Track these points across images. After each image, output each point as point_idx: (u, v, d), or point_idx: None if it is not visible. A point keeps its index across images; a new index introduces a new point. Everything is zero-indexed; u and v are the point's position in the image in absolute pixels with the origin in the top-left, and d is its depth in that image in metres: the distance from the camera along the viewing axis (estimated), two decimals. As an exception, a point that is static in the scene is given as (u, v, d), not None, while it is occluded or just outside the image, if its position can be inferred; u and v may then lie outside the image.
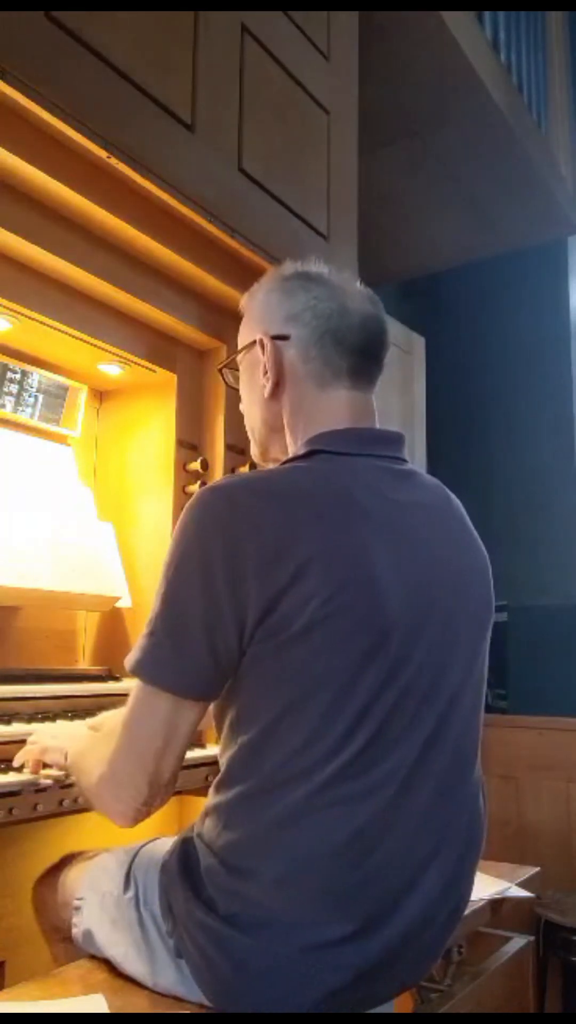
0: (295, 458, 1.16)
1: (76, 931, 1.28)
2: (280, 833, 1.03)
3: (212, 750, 1.71)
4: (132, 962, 1.19)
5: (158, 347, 2.04)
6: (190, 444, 2.10)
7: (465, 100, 3.06)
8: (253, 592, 0.99)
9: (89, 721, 1.43)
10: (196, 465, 2.06)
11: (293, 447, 1.20)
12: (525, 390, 4.35)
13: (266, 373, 1.20)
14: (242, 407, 1.31)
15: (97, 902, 1.26)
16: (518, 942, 1.89)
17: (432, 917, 1.11)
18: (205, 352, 2.16)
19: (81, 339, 1.88)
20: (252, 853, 1.05)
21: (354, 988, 1.05)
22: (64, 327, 1.82)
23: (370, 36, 2.62)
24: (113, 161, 1.63)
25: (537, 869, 1.94)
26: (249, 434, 1.32)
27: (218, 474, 2.08)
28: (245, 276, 2.07)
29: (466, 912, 1.60)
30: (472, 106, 3.09)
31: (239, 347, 1.29)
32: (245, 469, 2.10)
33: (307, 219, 2.21)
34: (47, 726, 1.48)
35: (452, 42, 2.80)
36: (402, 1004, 1.53)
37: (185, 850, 1.15)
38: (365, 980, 1.06)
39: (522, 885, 1.81)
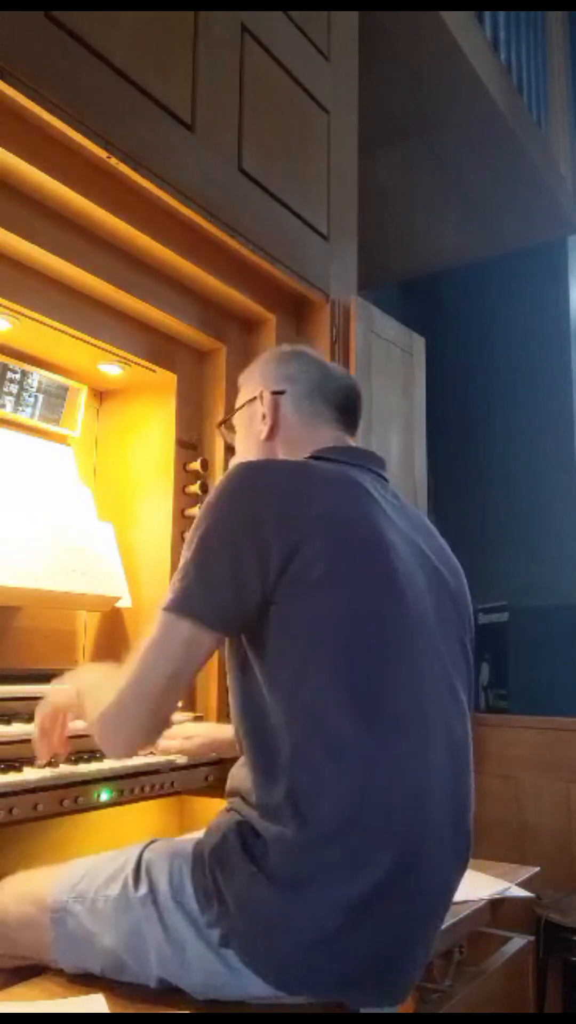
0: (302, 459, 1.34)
1: (61, 947, 1.24)
2: (335, 768, 1.11)
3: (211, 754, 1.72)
4: (158, 965, 1.17)
5: (158, 347, 2.04)
6: (190, 444, 2.10)
7: (465, 100, 3.06)
8: (273, 544, 1.14)
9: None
10: (196, 465, 2.06)
11: None
12: (525, 390, 4.35)
13: (264, 419, 1.41)
14: (237, 456, 1.50)
15: (96, 907, 1.23)
16: (518, 942, 1.89)
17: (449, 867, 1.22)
18: (205, 352, 2.16)
19: (81, 339, 1.88)
20: (307, 811, 1.10)
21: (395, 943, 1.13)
22: (64, 327, 1.82)
23: (370, 36, 2.62)
24: (113, 161, 1.63)
25: (537, 869, 1.94)
26: None
27: (218, 474, 2.08)
28: (245, 276, 2.07)
29: (466, 912, 1.61)
30: (472, 106, 3.09)
31: (237, 407, 1.50)
32: (245, 469, 2.10)
33: (307, 219, 2.21)
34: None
35: (452, 42, 2.81)
36: (403, 1004, 1.53)
37: (240, 829, 1.17)
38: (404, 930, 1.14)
39: (522, 885, 1.81)
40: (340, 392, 1.44)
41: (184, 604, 1.16)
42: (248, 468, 1.26)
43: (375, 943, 1.11)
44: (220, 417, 2.10)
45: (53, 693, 1.42)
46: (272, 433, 1.41)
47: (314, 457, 1.33)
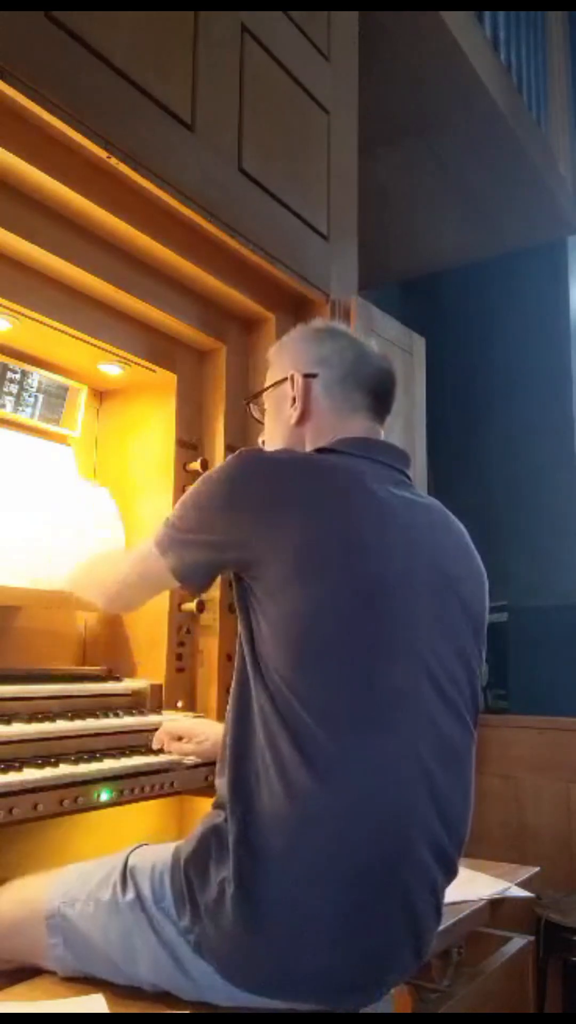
0: (314, 452, 1.34)
1: (56, 952, 1.24)
2: (307, 782, 1.10)
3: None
4: (154, 969, 1.17)
5: (158, 347, 2.04)
6: (190, 444, 2.10)
7: (465, 100, 3.06)
8: (247, 524, 1.20)
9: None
10: (196, 465, 2.06)
11: None
12: (525, 390, 4.35)
13: (294, 403, 1.38)
14: (262, 438, 1.50)
15: (87, 912, 1.23)
16: (518, 942, 1.89)
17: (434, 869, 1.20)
18: (205, 352, 2.16)
19: (81, 339, 1.88)
20: (281, 812, 1.10)
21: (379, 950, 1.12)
22: (64, 327, 1.82)
23: (370, 36, 2.62)
24: (113, 161, 1.63)
25: (537, 869, 1.94)
26: None
27: (218, 474, 2.08)
28: (245, 276, 2.07)
29: (466, 912, 1.61)
30: (472, 106, 3.09)
31: (267, 385, 1.47)
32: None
33: (307, 219, 2.21)
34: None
35: (452, 42, 2.80)
36: (402, 1004, 1.53)
37: (217, 834, 1.17)
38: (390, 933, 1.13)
39: (522, 885, 1.81)
40: (374, 377, 1.39)
41: (167, 549, 1.33)
42: (253, 452, 1.28)
43: (350, 948, 1.09)
44: (220, 417, 2.11)
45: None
46: (302, 419, 1.38)
47: (328, 449, 1.30)
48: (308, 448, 1.37)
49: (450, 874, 1.24)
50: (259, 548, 1.17)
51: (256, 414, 1.54)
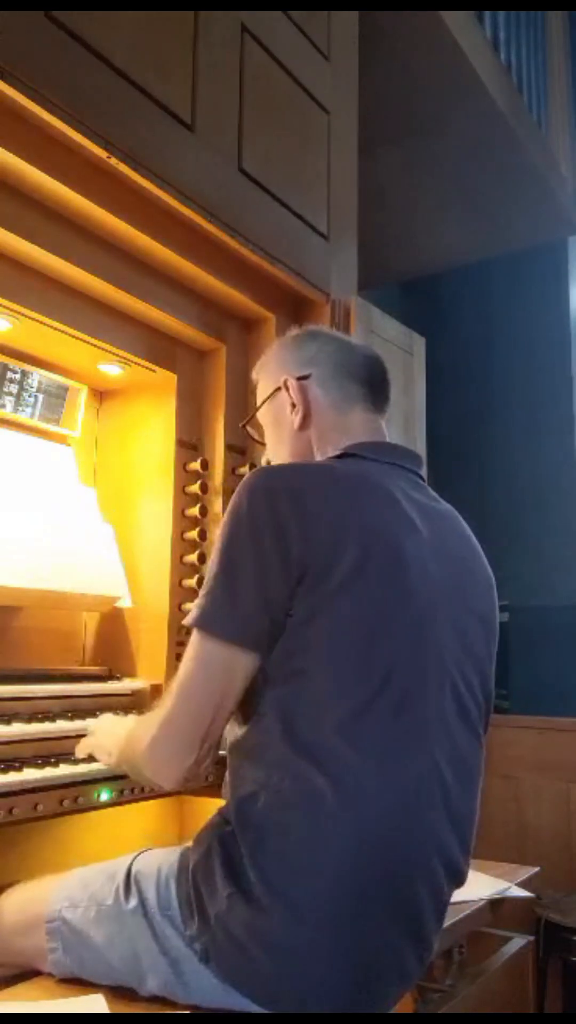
0: (328, 458, 1.31)
1: (55, 956, 1.23)
2: (324, 793, 1.07)
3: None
4: (154, 976, 1.16)
5: (158, 347, 2.04)
6: (190, 444, 2.10)
7: (465, 100, 3.05)
8: (295, 553, 1.12)
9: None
10: (196, 465, 2.06)
11: None
12: (526, 390, 4.35)
13: (294, 408, 1.36)
14: (268, 454, 1.47)
15: (88, 917, 1.22)
16: (518, 942, 1.89)
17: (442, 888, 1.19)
18: (205, 352, 2.16)
19: (81, 339, 1.88)
20: (291, 819, 1.08)
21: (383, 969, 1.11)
22: (64, 327, 1.82)
23: (370, 36, 2.61)
24: (113, 161, 1.63)
25: (537, 869, 1.94)
26: None
27: (218, 474, 2.08)
28: (245, 276, 2.07)
29: (466, 912, 1.61)
30: (472, 106, 3.08)
31: (259, 402, 1.44)
32: (245, 469, 2.10)
33: (307, 219, 2.21)
34: (103, 720, 1.48)
35: (452, 42, 2.80)
36: (402, 1004, 1.53)
37: (224, 843, 1.15)
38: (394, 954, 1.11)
39: (522, 885, 1.82)
40: (365, 366, 1.38)
41: (213, 623, 1.13)
42: (268, 473, 1.22)
43: (358, 963, 1.08)
44: (220, 417, 2.11)
45: (99, 740, 1.41)
46: (305, 422, 1.35)
47: (345, 455, 1.29)
48: (316, 451, 1.35)
49: (458, 884, 1.23)
50: (299, 567, 1.12)
51: (255, 435, 1.52)
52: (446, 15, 2.75)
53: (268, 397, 1.42)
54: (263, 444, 1.48)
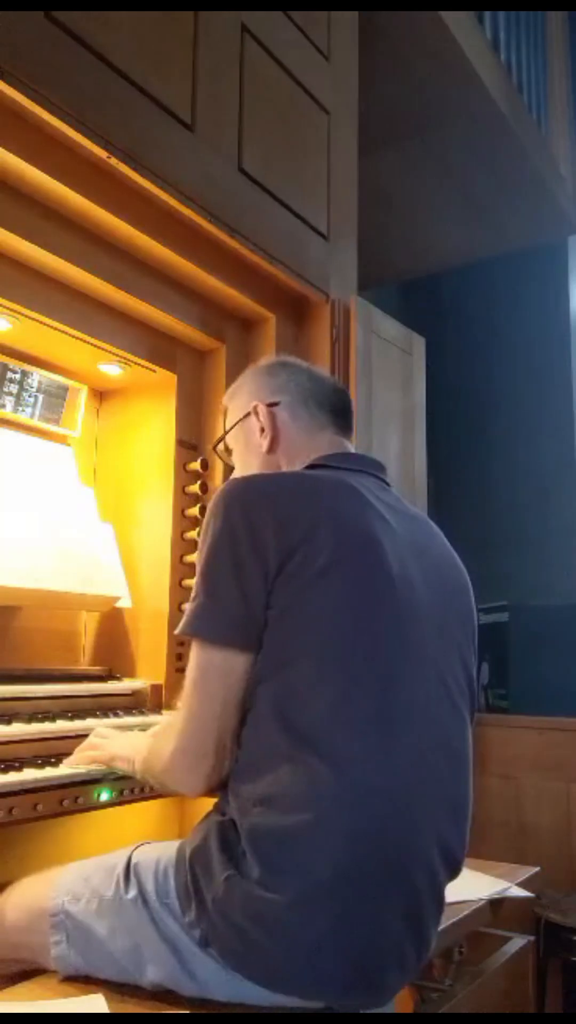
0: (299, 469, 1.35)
1: (59, 949, 1.23)
2: (320, 775, 1.10)
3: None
4: (156, 966, 1.17)
5: (158, 347, 2.04)
6: (190, 444, 2.10)
7: (465, 100, 3.06)
8: (271, 549, 1.16)
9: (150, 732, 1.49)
10: (196, 465, 2.06)
11: None
12: (525, 390, 4.35)
13: (263, 432, 1.41)
14: (236, 473, 1.49)
15: (91, 909, 1.23)
16: (518, 942, 1.89)
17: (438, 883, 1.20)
18: (205, 352, 2.16)
19: (81, 339, 1.88)
20: (289, 798, 1.10)
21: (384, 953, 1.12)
22: (64, 327, 1.82)
23: (370, 36, 2.62)
24: (113, 161, 1.63)
25: (537, 869, 1.94)
26: None
27: (218, 474, 2.08)
28: (245, 276, 2.07)
29: (466, 912, 1.61)
30: (472, 106, 3.09)
31: (229, 426, 1.49)
32: (245, 469, 2.10)
33: (307, 219, 2.21)
34: (103, 737, 1.50)
35: (452, 42, 2.80)
36: (402, 1004, 1.53)
37: (222, 830, 1.17)
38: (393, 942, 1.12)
39: (522, 885, 1.81)
40: (332, 396, 1.44)
41: (199, 627, 1.18)
42: (241, 481, 1.27)
43: (355, 943, 1.09)
44: (220, 416, 2.10)
45: (115, 750, 1.44)
46: (273, 445, 1.41)
47: (311, 466, 1.34)
48: (285, 470, 1.40)
49: (454, 873, 1.25)
50: (280, 559, 1.16)
51: (224, 459, 1.56)
52: (446, 15, 2.75)
53: (238, 421, 1.47)
54: (231, 466, 1.53)
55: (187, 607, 1.21)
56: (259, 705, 1.17)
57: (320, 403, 1.42)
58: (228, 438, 1.50)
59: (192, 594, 1.21)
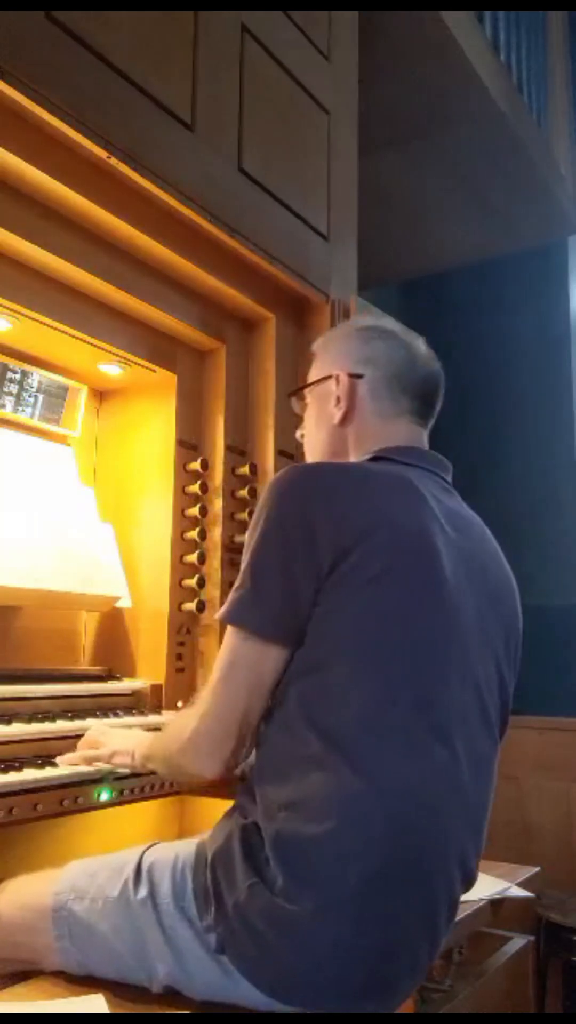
0: (361, 461, 1.31)
1: (62, 945, 1.23)
2: (350, 782, 1.08)
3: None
4: (159, 967, 1.16)
5: (158, 347, 2.04)
6: (190, 444, 2.10)
7: (465, 100, 3.05)
8: (325, 547, 1.12)
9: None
10: (196, 465, 2.06)
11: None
12: (525, 390, 4.35)
13: (338, 403, 1.35)
14: (300, 434, 1.47)
15: (95, 907, 1.22)
16: (518, 942, 1.89)
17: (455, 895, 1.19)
18: (205, 352, 2.16)
19: (81, 339, 1.88)
20: (316, 806, 1.08)
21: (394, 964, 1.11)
22: (64, 327, 1.82)
23: (370, 36, 2.62)
24: (113, 161, 1.63)
25: (537, 869, 1.95)
26: (307, 455, 1.45)
27: (218, 474, 2.08)
28: (245, 276, 2.07)
29: (467, 912, 1.61)
30: (472, 106, 3.08)
31: (311, 380, 1.43)
32: (245, 469, 2.10)
33: (307, 219, 2.21)
34: (103, 732, 1.51)
35: (452, 42, 2.80)
36: (404, 1004, 1.53)
37: (245, 834, 1.16)
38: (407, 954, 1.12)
39: (522, 885, 1.82)
40: (423, 382, 1.37)
41: (240, 617, 1.16)
42: (300, 470, 1.22)
43: (374, 949, 1.08)
44: (220, 417, 2.11)
45: (115, 745, 1.43)
46: (345, 420, 1.35)
47: (376, 457, 1.29)
48: (351, 450, 1.36)
49: (469, 885, 1.23)
50: (333, 559, 1.13)
51: (297, 408, 1.50)
52: (446, 15, 2.75)
53: (318, 381, 1.40)
54: (301, 418, 1.48)
55: (232, 593, 1.18)
56: (290, 705, 1.15)
57: (405, 387, 1.35)
58: (307, 391, 1.44)
59: (238, 581, 1.18)
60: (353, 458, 1.35)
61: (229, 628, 1.18)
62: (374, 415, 1.34)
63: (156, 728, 1.68)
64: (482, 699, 1.22)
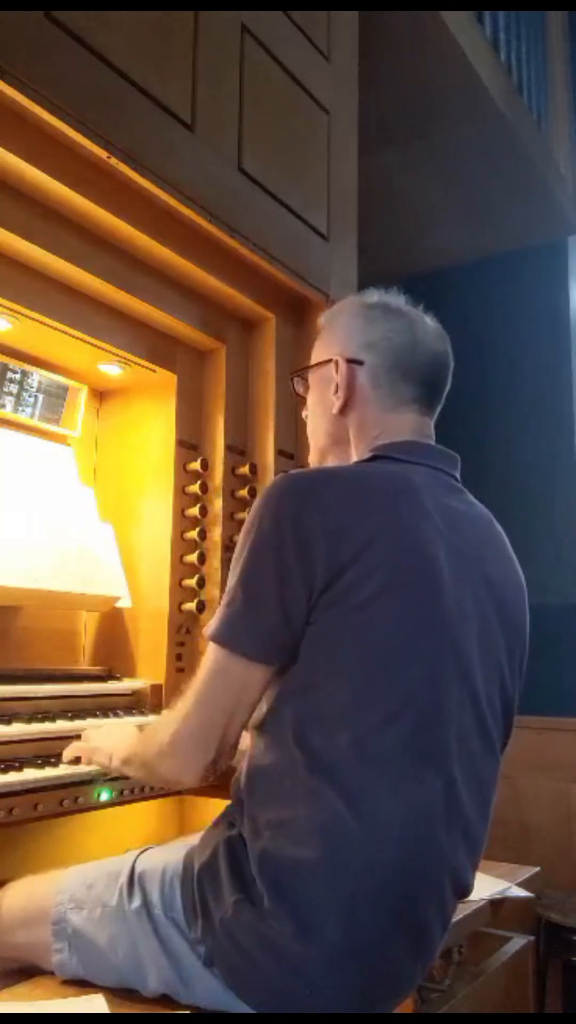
0: (360, 461, 1.26)
1: (60, 956, 1.23)
2: (338, 811, 1.06)
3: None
4: (157, 977, 1.15)
5: (158, 347, 2.04)
6: (190, 444, 2.10)
7: (465, 100, 3.06)
8: (320, 564, 1.08)
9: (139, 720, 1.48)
10: (196, 465, 2.06)
11: (356, 457, 1.29)
12: (525, 390, 4.35)
13: (337, 391, 1.29)
14: (306, 414, 1.42)
15: (93, 917, 1.22)
16: (518, 942, 1.89)
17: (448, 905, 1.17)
18: (205, 352, 2.16)
19: (81, 339, 1.88)
20: (303, 829, 1.06)
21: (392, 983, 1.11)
22: (64, 327, 1.82)
23: (370, 36, 2.61)
24: (113, 161, 1.63)
25: (537, 869, 1.94)
26: (310, 439, 1.40)
27: (218, 474, 2.08)
28: (245, 276, 2.07)
29: (466, 912, 1.61)
30: (472, 106, 3.09)
31: (313, 360, 1.37)
32: (245, 469, 2.10)
33: (307, 219, 2.21)
34: (97, 727, 1.50)
35: (452, 42, 2.80)
36: (403, 1004, 1.53)
37: (231, 847, 1.14)
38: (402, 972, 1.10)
39: (522, 885, 1.82)
40: (427, 367, 1.30)
41: (233, 638, 1.12)
42: (293, 480, 1.16)
43: (362, 974, 1.06)
44: (220, 417, 2.11)
45: (97, 743, 1.41)
46: (346, 408, 1.29)
47: (377, 456, 1.23)
48: (352, 439, 1.31)
49: (463, 897, 1.21)
50: (329, 577, 1.09)
51: (300, 389, 1.43)
52: (446, 15, 2.75)
53: (318, 364, 1.35)
54: (304, 400, 1.43)
55: (221, 609, 1.14)
56: (282, 725, 1.12)
57: (408, 373, 1.28)
58: (310, 374, 1.38)
59: (227, 595, 1.14)
60: (354, 449, 1.31)
61: (215, 645, 1.14)
62: (375, 405, 1.28)
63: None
64: (482, 718, 1.18)
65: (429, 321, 1.35)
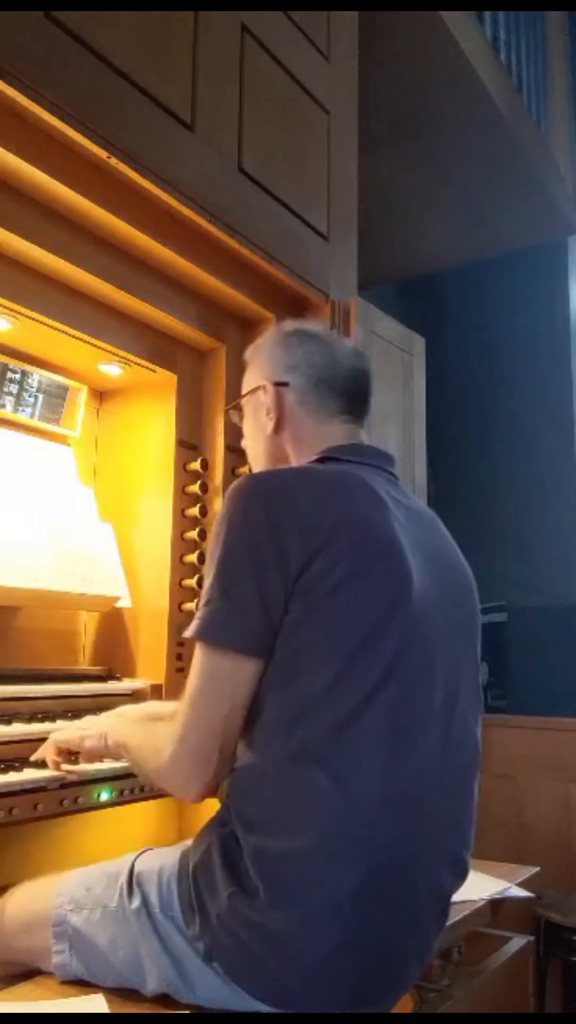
0: (311, 462, 1.30)
1: (61, 958, 1.23)
2: (326, 795, 1.07)
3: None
4: (158, 977, 1.16)
5: (158, 347, 2.04)
6: (190, 444, 2.10)
7: (465, 100, 3.06)
8: (293, 556, 1.12)
9: (124, 708, 1.47)
10: (196, 465, 2.06)
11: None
12: (525, 390, 4.35)
13: (269, 413, 1.37)
14: (245, 443, 1.48)
15: (93, 919, 1.22)
16: (518, 942, 1.89)
17: (444, 888, 1.19)
18: (205, 352, 2.16)
19: (81, 339, 1.88)
20: (293, 819, 1.08)
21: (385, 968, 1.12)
22: (64, 327, 1.82)
23: (370, 36, 2.62)
24: (113, 161, 1.63)
25: (537, 869, 1.94)
26: (251, 463, 1.46)
27: (218, 474, 2.08)
28: (245, 276, 2.07)
29: (466, 912, 1.61)
30: (472, 106, 3.09)
31: (243, 392, 1.45)
32: (245, 469, 2.10)
33: (307, 219, 2.21)
34: (68, 724, 1.49)
35: (452, 42, 2.80)
36: (402, 1004, 1.53)
37: (224, 843, 1.15)
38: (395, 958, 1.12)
39: (522, 885, 1.82)
40: (348, 380, 1.37)
41: (216, 634, 1.13)
42: (259, 478, 1.22)
43: (361, 961, 1.08)
44: (220, 417, 2.11)
45: (82, 732, 1.39)
46: (279, 427, 1.36)
47: (323, 459, 1.29)
48: (291, 454, 1.37)
49: (462, 876, 1.23)
50: (300, 566, 1.12)
51: (235, 419, 1.51)
52: (446, 15, 2.75)
53: (247, 394, 1.43)
54: (240, 427, 1.49)
55: (200, 609, 1.15)
56: (266, 717, 1.14)
57: (332, 387, 1.35)
58: (243, 402, 1.45)
59: (205, 596, 1.15)
60: (294, 462, 1.36)
61: (202, 645, 1.15)
62: (307, 420, 1.35)
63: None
64: (456, 692, 1.21)
65: (346, 341, 1.46)
